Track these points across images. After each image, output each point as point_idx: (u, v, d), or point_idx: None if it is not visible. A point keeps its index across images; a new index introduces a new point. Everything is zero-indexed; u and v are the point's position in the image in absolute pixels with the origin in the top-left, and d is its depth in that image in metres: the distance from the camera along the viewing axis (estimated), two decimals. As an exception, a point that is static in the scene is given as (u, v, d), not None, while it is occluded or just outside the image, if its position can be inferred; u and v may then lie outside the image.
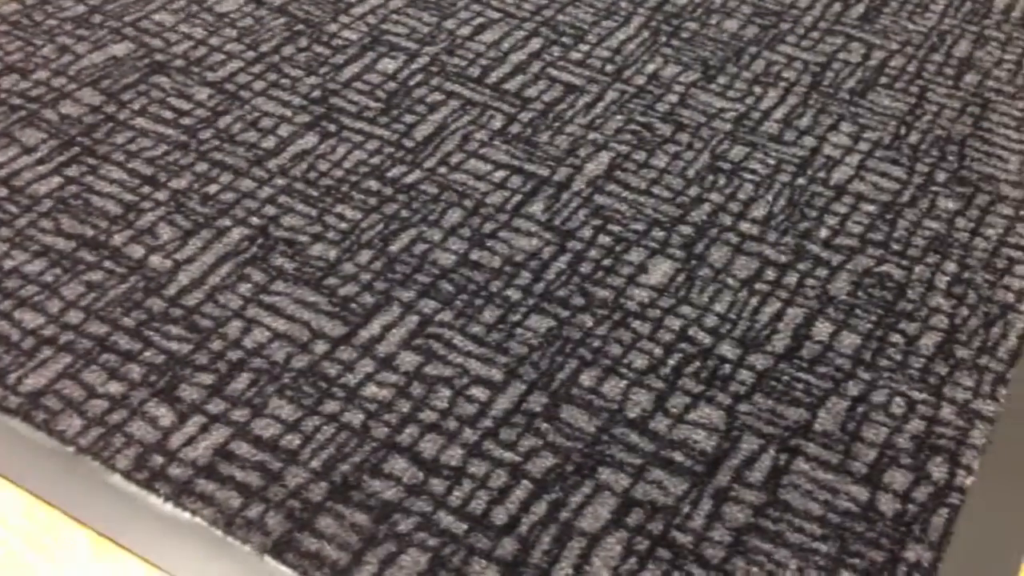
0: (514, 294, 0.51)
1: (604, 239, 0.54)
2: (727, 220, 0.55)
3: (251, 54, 0.62)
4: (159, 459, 0.43)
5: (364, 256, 0.52)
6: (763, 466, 0.44)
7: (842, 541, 0.42)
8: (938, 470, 0.44)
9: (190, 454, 0.43)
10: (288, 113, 0.58)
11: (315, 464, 0.43)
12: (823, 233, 0.55)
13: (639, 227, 0.54)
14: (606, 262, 0.53)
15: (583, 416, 0.46)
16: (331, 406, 0.46)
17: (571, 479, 0.43)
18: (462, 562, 0.41)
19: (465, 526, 0.42)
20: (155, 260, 0.51)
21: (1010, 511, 0.43)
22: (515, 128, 0.59)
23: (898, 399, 0.46)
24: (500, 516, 0.42)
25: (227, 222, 0.53)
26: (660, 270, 0.52)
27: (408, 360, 0.47)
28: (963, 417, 0.46)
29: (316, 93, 0.60)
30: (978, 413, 0.46)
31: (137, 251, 0.51)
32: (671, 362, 0.48)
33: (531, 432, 0.45)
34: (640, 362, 0.48)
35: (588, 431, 0.45)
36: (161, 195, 0.54)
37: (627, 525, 0.42)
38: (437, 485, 0.43)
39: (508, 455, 0.44)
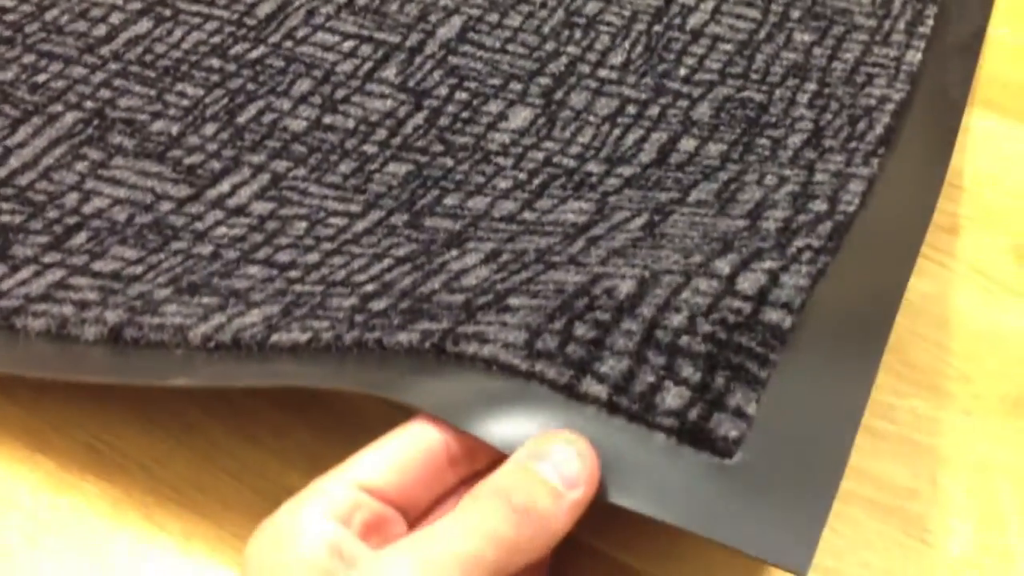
0: (370, 149, 0.49)
1: (461, 95, 0.52)
2: (585, 69, 0.54)
3: (77, -51, 0.58)
4: None
5: (209, 128, 0.49)
6: (637, 223, 0.43)
7: (725, 243, 0.40)
8: (819, 207, 0.42)
9: (22, 291, 0.41)
10: (119, 1, 0.55)
11: (161, 280, 0.41)
12: (682, 72, 0.54)
13: (496, 82, 0.53)
14: (464, 114, 0.51)
15: (447, 222, 0.44)
16: (178, 245, 0.43)
17: (437, 251, 0.42)
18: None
19: (321, 286, 0.40)
20: (-18, 148, 0.48)
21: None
22: (362, 0, 0.57)
23: (770, 176, 0.45)
24: (362, 279, 0.41)
25: (59, 107, 0.50)
26: (520, 116, 0.51)
27: (261, 207, 0.45)
28: (838, 178, 0.45)
29: (148, -20, 0.57)
30: (853, 175, 0.45)
31: (-39, 142, 0.48)
32: (536, 181, 0.47)
33: (393, 235, 0.43)
34: (505, 184, 0.46)
35: (453, 230, 0.43)
36: (-15, 88, 0.50)
37: (499, 263, 0.40)
38: (295, 273, 0.41)
39: (370, 251, 0.42)
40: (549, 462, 0.30)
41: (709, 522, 0.30)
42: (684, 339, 0.35)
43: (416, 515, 0.32)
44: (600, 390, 0.33)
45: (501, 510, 0.29)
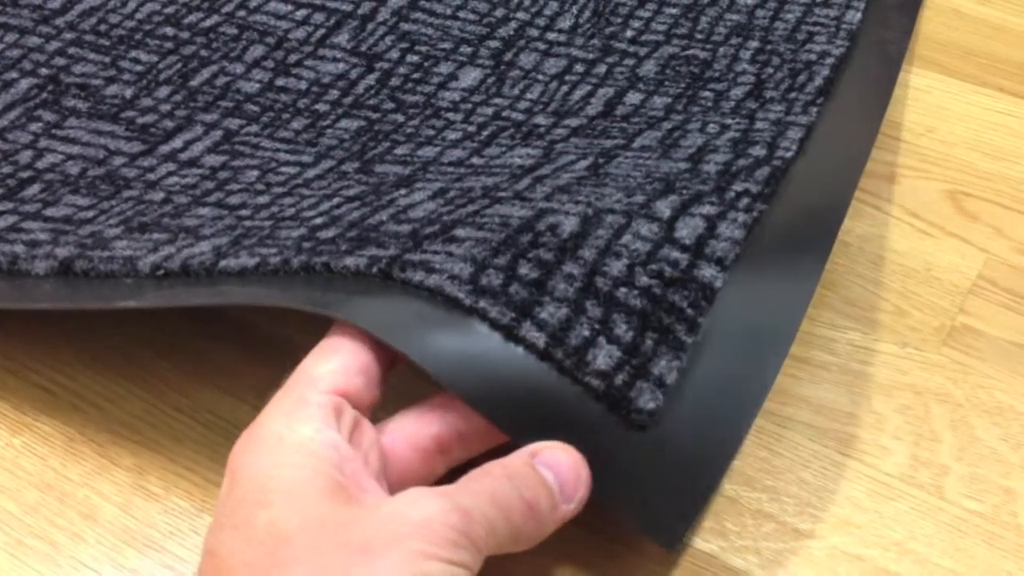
0: (323, 107, 0.50)
1: (412, 58, 0.53)
2: (534, 33, 0.55)
3: (31, -74, 0.59)
4: None
5: (163, 91, 0.50)
6: (582, 165, 0.44)
7: (667, 183, 0.41)
8: (758, 152, 0.43)
9: None
10: (74, -26, 0.56)
11: (112, 222, 0.42)
12: (629, 33, 0.55)
13: (447, 46, 0.54)
14: (416, 75, 0.52)
15: (397, 167, 0.45)
16: (130, 193, 0.44)
17: (386, 190, 0.43)
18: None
19: (270, 221, 0.41)
20: (-64, 112, 0.48)
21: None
22: (315, -28, 0.58)
23: (712, 125, 0.47)
24: (311, 214, 0.41)
25: (14, 75, 0.51)
26: (471, 76, 0.52)
27: (213, 160, 0.46)
28: (776, 127, 0.46)
29: (103, -45, 0.57)
30: (792, 122, 0.46)
31: (-84, 106, 0.48)
32: (485, 133, 0.48)
33: (344, 180, 0.44)
34: (454, 136, 0.47)
35: (403, 174, 0.44)
36: (-60, 55, 0.51)
37: (447, 199, 0.41)
38: (245, 212, 0.42)
39: (320, 192, 0.43)
40: (552, 471, 0.31)
41: (601, 483, 0.32)
42: (621, 291, 0.36)
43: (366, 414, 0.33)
44: (538, 337, 0.34)
45: (513, 495, 0.30)
